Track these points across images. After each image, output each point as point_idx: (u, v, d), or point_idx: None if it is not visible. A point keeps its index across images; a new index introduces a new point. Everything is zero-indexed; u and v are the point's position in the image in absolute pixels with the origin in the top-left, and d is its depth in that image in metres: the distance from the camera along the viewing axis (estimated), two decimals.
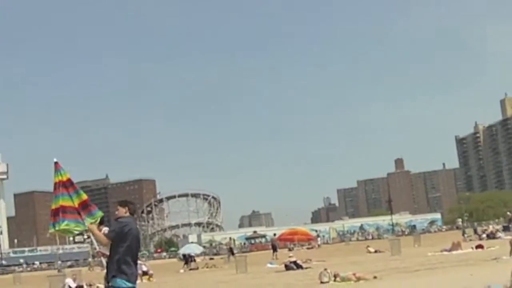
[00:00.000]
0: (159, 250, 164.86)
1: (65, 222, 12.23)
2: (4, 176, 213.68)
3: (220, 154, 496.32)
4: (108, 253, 11.35)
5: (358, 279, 26.25)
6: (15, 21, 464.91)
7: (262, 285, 29.73)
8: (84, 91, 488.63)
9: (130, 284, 10.75)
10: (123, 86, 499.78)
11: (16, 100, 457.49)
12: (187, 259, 61.02)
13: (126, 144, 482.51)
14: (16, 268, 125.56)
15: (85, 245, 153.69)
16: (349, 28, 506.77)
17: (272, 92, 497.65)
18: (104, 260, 12.05)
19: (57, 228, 12.21)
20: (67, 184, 12.38)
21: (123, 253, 10.76)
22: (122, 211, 11.19)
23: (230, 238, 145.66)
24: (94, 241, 12.68)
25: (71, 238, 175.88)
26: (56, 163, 12.57)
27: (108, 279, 10.97)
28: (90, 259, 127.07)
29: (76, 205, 12.24)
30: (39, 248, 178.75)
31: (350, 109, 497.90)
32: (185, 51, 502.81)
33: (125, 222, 11.06)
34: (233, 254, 62.52)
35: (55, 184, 12.47)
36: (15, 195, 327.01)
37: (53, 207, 12.29)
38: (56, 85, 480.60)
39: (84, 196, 12.45)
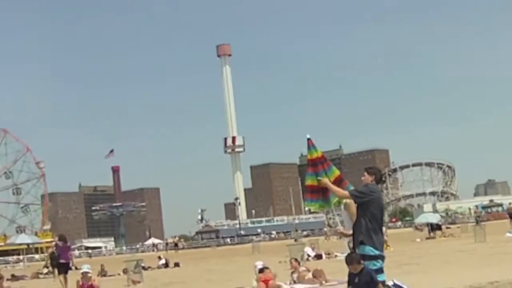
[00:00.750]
0: (393, 220, 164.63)
1: (311, 203, 12.40)
2: (241, 149, 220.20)
3: (454, 123, 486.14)
4: (350, 233, 11.40)
5: None
6: None
7: (503, 254, 28.91)
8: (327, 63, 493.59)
9: (377, 252, 10.69)
10: (351, 53, 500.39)
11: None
12: (432, 227, 60.39)
13: (359, 114, 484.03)
14: (254, 237, 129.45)
15: (320, 215, 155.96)
16: None
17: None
18: (345, 241, 12.06)
19: (306, 208, 12.40)
20: (316, 162, 12.37)
21: (369, 220, 10.69)
22: (369, 179, 11.05)
23: (477, 207, 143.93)
24: (338, 222, 12.79)
25: (306, 209, 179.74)
26: (308, 139, 12.53)
27: (354, 246, 10.98)
28: (326, 229, 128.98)
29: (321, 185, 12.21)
30: (275, 218, 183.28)
31: None
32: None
33: (372, 189, 10.96)
34: (478, 222, 61.35)
35: (308, 161, 12.54)
36: (252, 167, 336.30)
37: (306, 183, 12.40)
38: (297, 59, 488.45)
39: (337, 173, 12.44)
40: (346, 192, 11.16)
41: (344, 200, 12.06)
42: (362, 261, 10.38)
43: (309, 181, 12.29)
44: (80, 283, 19.14)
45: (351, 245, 11.61)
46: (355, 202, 10.99)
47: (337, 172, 12.38)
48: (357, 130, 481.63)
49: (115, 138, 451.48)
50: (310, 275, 20.45)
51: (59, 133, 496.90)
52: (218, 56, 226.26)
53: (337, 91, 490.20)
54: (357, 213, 10.96)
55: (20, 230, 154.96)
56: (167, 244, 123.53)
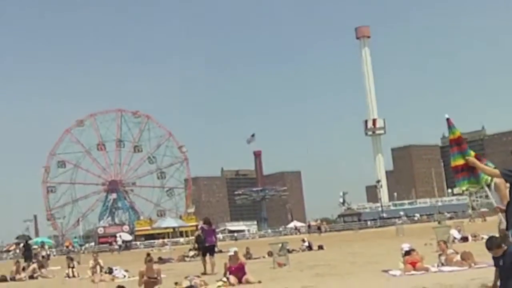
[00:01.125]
0: None
1: (462, 181, 12.18)
2: (382, 131, 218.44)
3: None
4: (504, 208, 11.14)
5: None
6: None
7: None
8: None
9: None
10: None
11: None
12: None
13: (503, 93, 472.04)
14: (397, 220, 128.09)
15: (463, 197, 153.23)
16: None
17: None
18: (502, 216, 11.79)
19: (456, 189, 12.22)
20: (460, 141, 12.17)
21: None
22: None
23: None
24: (491, 198, 12.52)
25: (449, 190, 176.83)
26: (447, 119, 12.37)
27: (507, 227, 10.72)
28: (470, 211, 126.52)
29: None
30: (418, 200, 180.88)
31: None
32: None
33: None
34: None
35: (450, 141, 12.36)
36: (392, 149, 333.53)
37: (452, 164, 12.23)
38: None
39: (472, 154, 12.18)
40: (496, 171, 10.93)
41: (493, 181, 11.85)
42: (503, 245, 10.19)
43: (457, 161, 12.08)
44: (228, 265, 19.44)
45: (502, 226, 11.41)
46: (506, 181, 10.78)
47: (472, 153, 12.15)
48: (502, 110, 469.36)
49: (256, 123, 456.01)
50: (458, 257, 20.12)
51: (201, 119, 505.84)
52: (357, 38, 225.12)
53: (478, 69, 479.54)
54: (510, 195, 10.67)
55: (161, 213, 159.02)
56: (309, 227, 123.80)
